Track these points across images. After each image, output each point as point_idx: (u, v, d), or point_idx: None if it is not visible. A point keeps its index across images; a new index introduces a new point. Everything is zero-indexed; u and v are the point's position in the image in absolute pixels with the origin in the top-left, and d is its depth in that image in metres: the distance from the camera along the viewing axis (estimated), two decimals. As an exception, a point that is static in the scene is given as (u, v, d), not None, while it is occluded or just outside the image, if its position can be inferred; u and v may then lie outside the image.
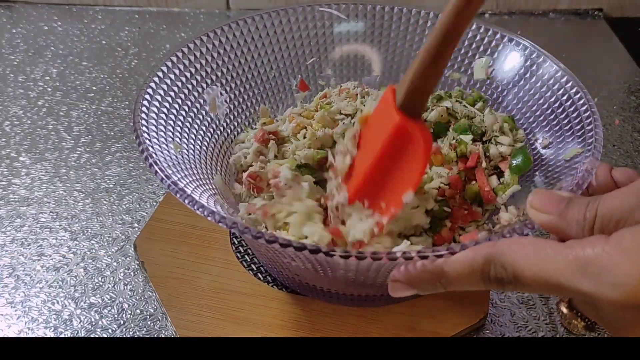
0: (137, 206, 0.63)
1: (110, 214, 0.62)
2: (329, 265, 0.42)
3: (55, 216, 0.61)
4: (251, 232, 0.37)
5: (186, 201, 0.39)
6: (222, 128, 0.56)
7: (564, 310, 0.37)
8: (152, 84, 0.49)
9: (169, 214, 0.59)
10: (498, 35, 0.57)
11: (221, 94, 0.56)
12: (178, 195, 0.40)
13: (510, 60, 0.56)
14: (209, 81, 0.55)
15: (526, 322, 0.52)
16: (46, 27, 0.93)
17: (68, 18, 0.96)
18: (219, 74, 0.56)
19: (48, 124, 0.74)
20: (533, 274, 0.31)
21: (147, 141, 0.44)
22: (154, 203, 0.63)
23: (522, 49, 0.56)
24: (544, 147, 0.51)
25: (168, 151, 0.46)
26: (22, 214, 0.62)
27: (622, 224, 0.31)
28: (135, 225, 0.61)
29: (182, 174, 0.45)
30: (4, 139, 0.71)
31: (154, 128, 0.46)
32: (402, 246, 0.45)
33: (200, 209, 0.39)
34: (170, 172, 0.42)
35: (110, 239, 0.59)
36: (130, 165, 0.68)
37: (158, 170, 0.41)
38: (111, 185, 0.65)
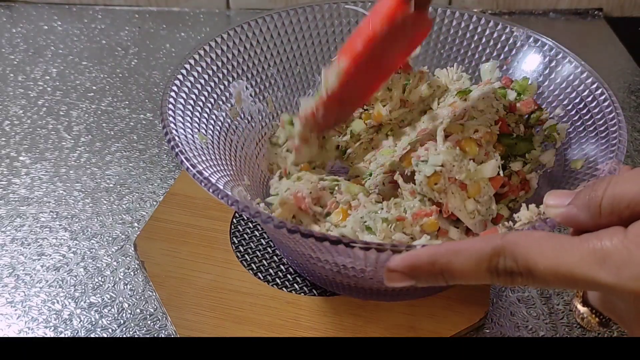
0: (137, 206, 0.63)
1: (110, 213, 0.62)
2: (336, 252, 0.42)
3: (55, 216, 0.61)
4: (261, 217, 0.39)
5: (203, 184, 0.41)
6: (246, 121, 0.56)
7: (579, 306, 0.37)
8: (180, 76, 0.50)
9: (169, 213, 0.59)
10: (520, 33, 0.57)
11: (246, 87, 0.56)
12: (202, 184, 0.41)
13: (532, 58, 0.56)
14: (235, 75, 0.56)
15: (526, 322, 0.52)
16: (46, 27, 0.93)
17: (68, 18, 0.96)
18: (245, 68, 0.57)
19: (48, 124, 0.74)
20: (547, 267, 0.30)
21: (174, 131, 0.45)
22: (154, 202, 0.63)
23: (543, 47, 0.55)
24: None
25: (193, 139, 0.47)
26: (22, 214, 0.62)
27: (634, 208, 0.30)
28: (135, 224, 0.61)
29: (200, 159, 0.45)
30: (3, 139, 0.71)
31: (180, 118, 0.48)
32: (422, 240, 0.46)
33: (216, 192, 0.40)
34: (190, 155, 0.44)
35: (110, 238, 0.59)
36: (130, 164, 0.68)
37: (178, 153, 0.43)
38: (111, 185, 0.65)
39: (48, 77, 0.82)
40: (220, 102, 0.53)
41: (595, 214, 0.32)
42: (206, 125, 0.50)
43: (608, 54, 0.91)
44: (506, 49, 0.58)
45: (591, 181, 0.39)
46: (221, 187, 0.42)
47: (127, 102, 0.78)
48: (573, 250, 0.30)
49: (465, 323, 0.50)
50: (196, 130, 0.48)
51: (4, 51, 0.87)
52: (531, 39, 0.57)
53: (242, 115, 0.55)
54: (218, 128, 0.52)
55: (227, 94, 0.54)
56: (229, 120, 0.54)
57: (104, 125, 0.74)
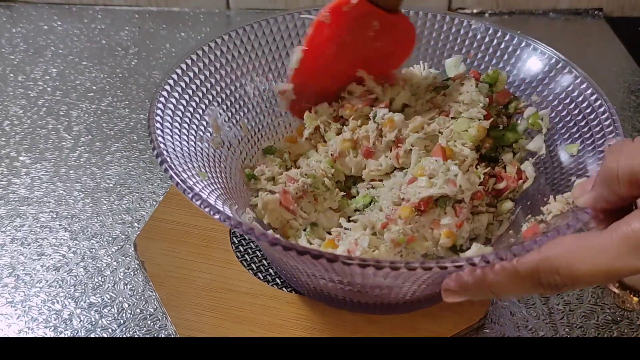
0: (137, 205, 0.63)
1: (110, 213, 0.62)
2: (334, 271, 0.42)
3: (55, 216, 0.61)
4: (254, 233, 0.38)
5: (200, 204, 0.40)
6: (226, 148, 0.55)
7: (615, 290, 0.38)
8: (161, 101, 0.49)
9: (169, 213, 0.59)
10: (515, 41, 0.57)
11: (220, 114, 0.55)
12: (194, 200, 0.41)
13: (529, 66, 0.56)
14: (210, 97, 0.54)
15: (526, 322, 0.52)
16: (46, 27, 0.93)
17: (68, 18, 0.96)
18: (214, 92, 0.55)
19: (48, 124, 0.74)
20: (588, 270, 0.31)
21: (165, 152, 0.44)
22: (154, 202, 0.63)
23: (540, 55, 0.55)
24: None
25: (181, 149, 0.47)
26: (22, 214, 0.62)
27: None
28: (135, 224, 0.61)
29: (191, 173, 0.45)
30: (3, 139, 0.71)
31: (169, 138, 0.47)
32: (473, 249, 0.46)
33: (218, 215, 0.40)
34: (180, 169, 0.43)
35: (110, 238, 0.59)
36: (130, 164, 0.68)
37: (186, 189, 0.42)
38: (111, 185, 0.65)
39: (48, 77, 0.82)
40: (201, 133, 0.52)
41: (615, 187, 0.33)
42: (196, 158, 0.49)
43: (608, 54, 0.91)
44: (467, 42, 0.59)
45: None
46: (241, 220, 0.41)
47: (127, 102, 0.78)
48: (605, 244, 0.31)
49: (465, 323, 0.50)
50: (189, 162, 0.47)
51: (4, 51, 0.87)
52: (530, 47, 0.56)
53: (223, 144, 0.54)
54: (207, 159, 0.51)
55: (205, 123, 0.53)
56: (212, 150, 0.52)
57: (104, 125, 0.74)
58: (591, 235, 0.32)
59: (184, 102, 0.51)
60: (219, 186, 0.48)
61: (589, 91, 0.51)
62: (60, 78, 0.82)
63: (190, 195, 0.41)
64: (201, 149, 0.51)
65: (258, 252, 0.56)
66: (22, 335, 0.50)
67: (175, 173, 0.42)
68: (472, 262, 0.36)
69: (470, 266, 0.36)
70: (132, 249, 0.57)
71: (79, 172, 0.67)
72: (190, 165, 0.46)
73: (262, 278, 0.54)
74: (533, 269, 0.33)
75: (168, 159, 0.44)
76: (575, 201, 0.38)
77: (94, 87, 0.81)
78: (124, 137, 0.72)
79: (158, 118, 0.47)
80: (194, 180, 0.44)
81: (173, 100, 0.50)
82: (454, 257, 0.46)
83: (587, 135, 0.49)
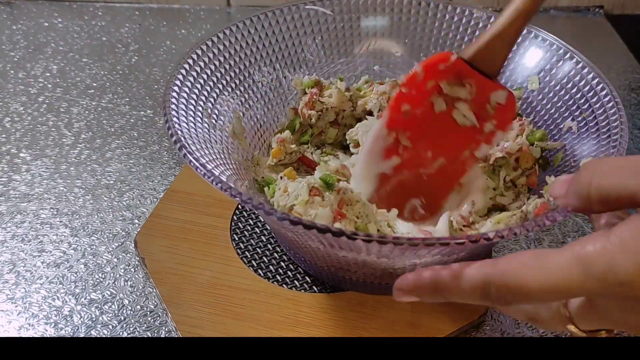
0: (138, 202, 0.63)
1: (110, 210, 0.62)
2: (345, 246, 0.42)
3: (55, 212, 0.61)
4: (264, 208, 0.39)
5: (208, 178, 0.41)
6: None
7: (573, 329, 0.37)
8: (175, 89, 0.49)
9: (170, 210, 0.59)
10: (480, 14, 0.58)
11: (235, 101, 0.55)
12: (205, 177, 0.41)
13: (535, 55, 0.56)
14: (220, 86, 0.55)
15: (526, 319, 0.52)
16: (46, 24, 0.93)
17: (68, 14, 0.96)
18: (224, 82, 0.55)
19: (48, 121, 0.74)
20: (539, 286, 0.31)
21: (183, 139, 0.45)
22: (155, 199, 0.63)
23: (547, 44, 0.55)
24: (565, 132, 0.52)
25: (197, 136, 0.47)
26: (22, 210, 0.62)
27: (622, 201, 0.31)
28: (136, 221, 0.61)
29: (203, 153, 0.46)
30: (4, 135, 0.71)
31: (185, 125, 0.47)
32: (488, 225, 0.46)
33: (219, 184, 0.41)
34: (193, 148, 0.44)
35: (111, 235, 0.59)
36: (131, 161, 0.68)
37: (192, 160, 0.43)
38: (111, 182, 0.65)
39: (48, 74, 0.82)
40: (214, 121, 0.52)
41: (587, 203, 0.33)
42: (211, 145, 0.49)
43: (609, 51, 0.91)
44: (469, 31, 0.60)
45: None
46: (251, 195, 0.41)
47: (127, 99, 0.78)
48: (560, 261, 0.30)
49: (465, 320, 0.50)
50: (204, 148, 0.47)
51: (4, 48, 0.87)
52: (536, 37, 0.57)
53: (237, 133, 0.55)
54: (221, 147, 0.51)
55: (217, 111, 0.53)
56: (225, 139, 0.53)
57: (104, 122, 0.74)
58: (548, 252, 0.31)
59: (196, 90, 0.52)
60: (233, 172, 0.49)
61: (590, 75, 0.52)
62: (61, 75, 0.82)
63: (202, 172, 0.41)
64: (215, 137, 0.51)
65: (258, 249, 0.56)
66: (22, 331, 0.50)
67: (188, 152, 0.43)
68: (487, 237, 0.37)
69: (485, 241, 0.37)
70: (133, 245, 0.57)
71: (79, 168, 0.67)
72: (206, 151, 0.47)
73: (262, 275, 0.54)
74: (484, 280, 0.32)
75: (182, 139, 0.44)
76: (554, 200, 0.37)
77: (95, 84, 0.80)
78: (124, 134, 0.72)
79: (173, 107, 0.47)
80: (206, 160, 0.44)
81: (186, 89, 0.50)
82: (470, 233, 0.46)
83: (590, 118, 0.49)
